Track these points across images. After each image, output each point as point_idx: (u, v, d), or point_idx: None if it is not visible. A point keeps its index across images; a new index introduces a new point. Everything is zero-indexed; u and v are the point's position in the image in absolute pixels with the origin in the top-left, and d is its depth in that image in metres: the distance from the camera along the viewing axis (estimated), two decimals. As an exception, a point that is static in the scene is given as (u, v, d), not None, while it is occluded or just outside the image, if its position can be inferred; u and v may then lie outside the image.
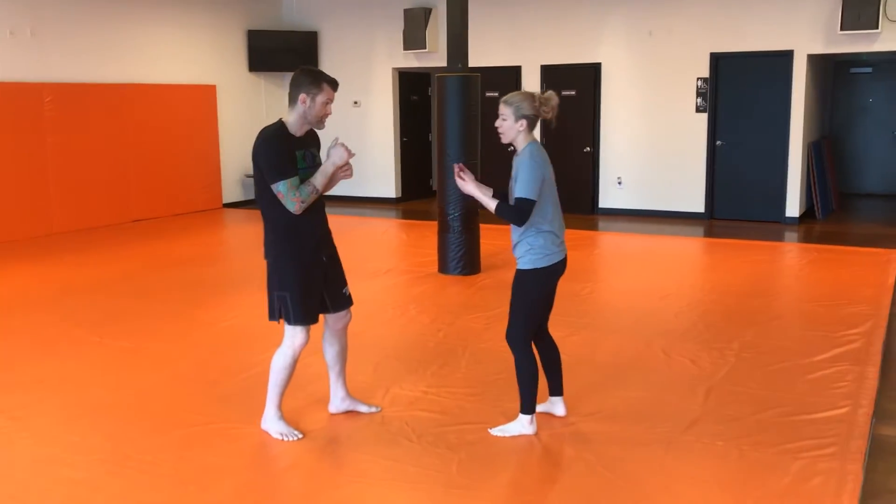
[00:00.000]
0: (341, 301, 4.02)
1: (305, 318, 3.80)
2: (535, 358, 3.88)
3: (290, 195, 3.63)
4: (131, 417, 4.21)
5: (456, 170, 3.82)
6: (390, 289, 7.09)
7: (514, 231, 3.80)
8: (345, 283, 4.04)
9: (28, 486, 3.47)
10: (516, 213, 3.65)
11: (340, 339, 4.10)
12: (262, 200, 3.77)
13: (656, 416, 4.15)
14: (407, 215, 11.76)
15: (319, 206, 3.86)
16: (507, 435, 3.89)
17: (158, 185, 11.42)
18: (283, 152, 3.67)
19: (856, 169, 13.52)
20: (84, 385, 4.72)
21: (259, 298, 6.56)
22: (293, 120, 3.75)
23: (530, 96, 3.70)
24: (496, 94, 11.53)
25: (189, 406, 4.35)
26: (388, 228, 10.44)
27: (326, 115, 3.79)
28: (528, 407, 3.90)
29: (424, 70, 13.01)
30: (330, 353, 4.10)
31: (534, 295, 3.83)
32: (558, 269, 3.82)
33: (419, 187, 13.56)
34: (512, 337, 3.86)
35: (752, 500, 3.28)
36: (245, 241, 10.08)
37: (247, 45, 12.67)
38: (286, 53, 12.84)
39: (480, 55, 10.76)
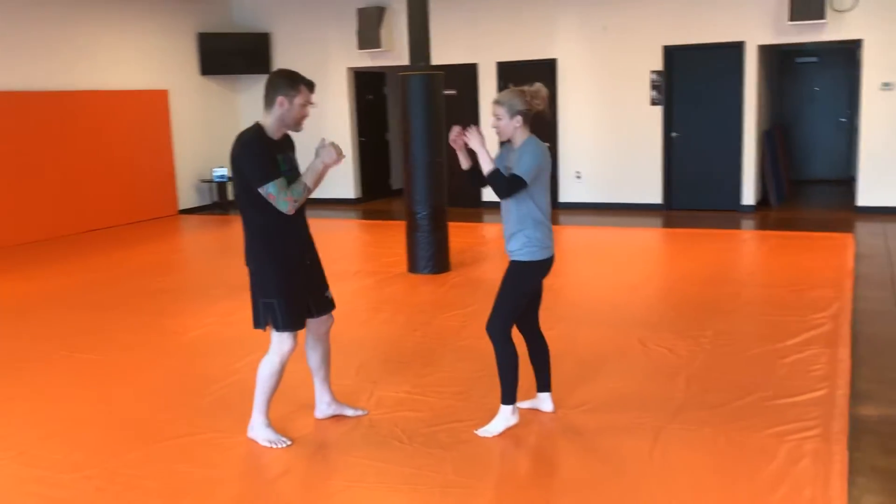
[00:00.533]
0: (324, 304, 3.98)
1: (294, 323, 3.75)
2: (515, 348, 3.88)
3: (281, 195, 3.57)
4: (112, 431, 4.12)
5: (456, 130, 3.82)
6: (362, 290, 7.05)
7: (510, 223, 3.81)
8: (327, 287, 4.00)
9: (15, 508, 3.37)
10: (507, 185, 3.69)
11: (323, 344, 4.06)
12: (244, 206, 3.70)
13: (642, 406, 4.20)
14: (368, 215, 11.71)
15: (301, 210, 3.81)
16: (493, 434, 3.87)
17: (112, 193, 11.18)
18: (266, 154, 3.62)
19: (804, 156, 13.85)
20: (58, 401, 4.60)
21: (226, 306, 6.52)
22: (270, 123, 3.70)
23: (520, 92, 3.75)
24: (454, 93, 11.57)
25: (170, 417, 4.27)
26: (351, 229, 10.39)
27: (304, 117, 3.75)
28: (508, 397, 3.90)
29: (379, 69, 12.96)
30: (314, 358, 4.06)
31: (525, 287, 3.86)
32: (549, 264, 3.85)
33: (378, 187, 13.51)
34: (494, 328, 3.85)
35: (745, 485, 3.35)
36: (204, 247, 9.95)
37: (198, 49, 12.46)
38: (238, 56, 12.67)
39: (436, 53, 10.66)
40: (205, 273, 8.12)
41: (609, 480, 3.43)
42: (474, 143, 3.76)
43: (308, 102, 3.73)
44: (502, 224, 3.91)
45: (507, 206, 3.80)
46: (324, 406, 4.17)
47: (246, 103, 13.32)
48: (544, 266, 3.84)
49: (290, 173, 3.71)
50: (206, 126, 12.69)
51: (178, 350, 5.50)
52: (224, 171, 12.41)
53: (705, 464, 3.55)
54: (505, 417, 3.92)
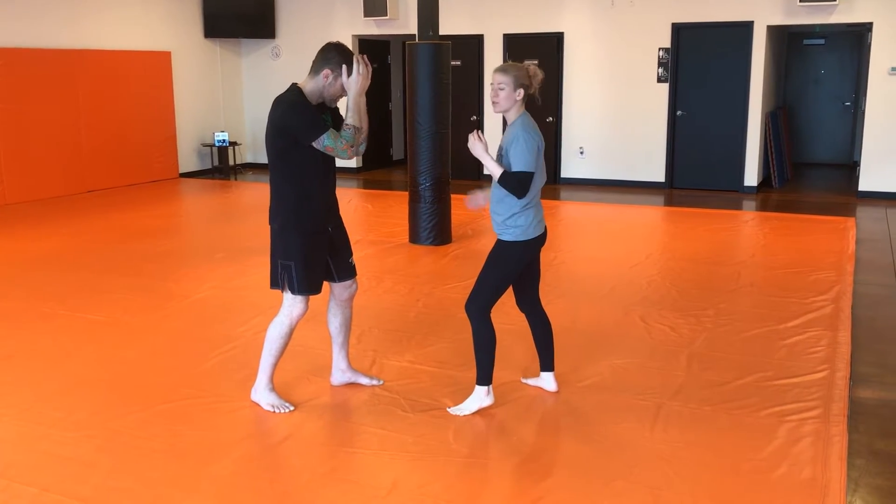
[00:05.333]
0: (347, 270, 3.99)
1: (309, 288, 3.76)
2: (493, 329, 3.81)
3: (338, 144, 3.58)
4: (115, 392, 4.12)
5: (474, 135, 3.70)
6: (364, 259, 7.03)
7: (500, 204, 3.72)
8: (350, 254, 4.02)
9: (18, 465, 3.37)
10: (519, 185, 3.59)
11: (345, 310, 4.08)
12: (274, 167, 3.71)
13: (643, 383, 4.22)
14: (369, 185, 11.68)
15: (332, 177, 3.83)
16: (465, 413, 3.82)
17: (113, 154, 11.12)
18: (313, 111, 3.62)
19: (807, 139, 13.82)
20: (60, 360, 4.60)
21: (229, 271, 6.52)
22: (310, 90, 3.67)
23: (524, 68, 3.68)
24: (458, 63, 11.51)
25: (173, 380, 4.28)
26: (352, 199, 10.35)
27: (342, 96, 3.72)
28: (483, 378, 3.84)
29: (384, 37, 12.85)
30: (334, 323, 4.08)
31: (510, 269, 3.79)
32: (539, 242, 3.80)
33: (379, 157, 13.46)
34: (474, 306, 3.78)
35: (746, 463, 3.37)
36: (205, 211, 9.91)
37: (202, 11, 12.33)
38: (242, 20, 12.55)
39: (442, 23, 10.62)
40: (207, 237, 8.10)
41: (609, 456, 3.45)
42: (478, 152, 3.65)
43: None
44: (491, 202, 3.80)
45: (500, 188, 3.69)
46: (339, 373, 4.18)
47: (249, 68, 13.22)
48: (531, 245, 3.75)
49: (336, 127, 3.71)
50: (208, 90, 12.61)
51: (180, 313, 5.50)
52: (225, 135, 12.34)
53: (705, 442, 3.56)
54: (479, 398, 3.85)
